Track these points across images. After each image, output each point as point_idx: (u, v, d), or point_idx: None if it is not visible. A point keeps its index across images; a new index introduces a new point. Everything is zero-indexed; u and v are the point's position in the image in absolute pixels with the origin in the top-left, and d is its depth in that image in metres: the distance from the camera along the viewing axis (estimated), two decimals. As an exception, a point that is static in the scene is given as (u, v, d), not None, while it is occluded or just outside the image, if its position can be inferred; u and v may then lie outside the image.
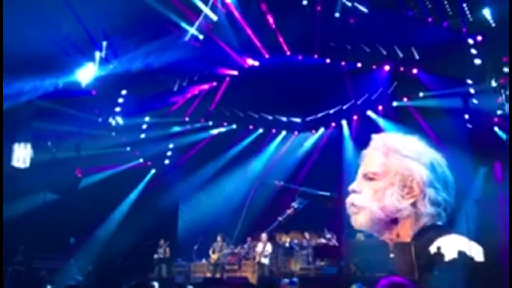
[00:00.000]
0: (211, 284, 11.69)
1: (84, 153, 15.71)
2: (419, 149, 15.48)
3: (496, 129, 14.32)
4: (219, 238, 15.56)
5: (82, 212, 15.42)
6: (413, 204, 14.99)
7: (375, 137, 15.89)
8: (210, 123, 18.62)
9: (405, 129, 16.09)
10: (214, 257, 15.35)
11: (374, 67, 15.76)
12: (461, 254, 11.69)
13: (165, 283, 12.92)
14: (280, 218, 13.76)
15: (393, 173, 15.42)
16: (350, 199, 15.83)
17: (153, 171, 18.84)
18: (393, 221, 15.11)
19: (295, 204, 13.59)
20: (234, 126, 18.95)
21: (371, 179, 15.71)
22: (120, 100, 15.76)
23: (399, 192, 15.16)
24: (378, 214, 15.11)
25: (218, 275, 14.89)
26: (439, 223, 15.02)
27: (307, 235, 16.41)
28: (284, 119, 18.70)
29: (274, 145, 19.31)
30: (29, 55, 11.58)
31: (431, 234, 14.29)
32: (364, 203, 15.44)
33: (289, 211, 13.68)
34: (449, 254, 12.12)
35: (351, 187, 15.94)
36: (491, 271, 10.46)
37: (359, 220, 15.47)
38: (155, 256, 16.44)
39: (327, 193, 15.46)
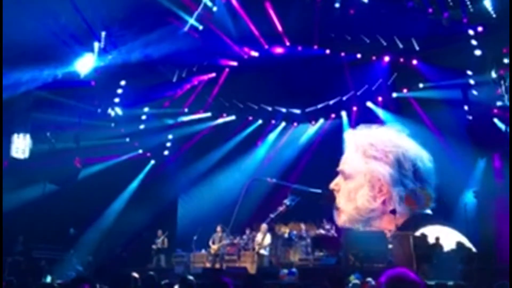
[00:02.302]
0: (210, 275, 11.73)
1: (83, 144, 15.69)
2: (386, 146, 15.63)
3: (495, 120, 14.32)
4: (218, 229, 15.59)
5: (82, 203, 15.43)
6: (383, 203, 15.24)
7: (348, 133, 16.07)
8: (209, 114, 18.58)
9: (404, 120, 16.12)
10: (214, 247, 15.39)
11: (374, 58, 15.72)
12: (459, 244, 11.77)
13: (164, 273, 12.96)
14: (272, 215, 13.94)
15: (362, 174, 15.75)
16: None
17: (152, 162, 18.84)
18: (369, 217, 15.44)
19: (287, 201, 13.73)
20: (233, 117, 18.92)
21: (345, 178, 16.07)
22: (119, 91, 15.71)
23: (369, 194, 15.47)
24: (353, 215, 15.56)
25: (217, 266, 14.93)
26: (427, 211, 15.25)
27: (306, 226, 16.46)
28: (283, 110, 18.67)
29: (273, 136, 19.30)
30: (28, 45, 11.51)
31: (415, 223, 14.51)
32: (341, 204, 15.87)
33: (281, 208, 13.83)
34: (447, 245, 12.20)
35: (331, 185, 16.25)
36: (488, 261, 10.52)
37: (340, 220, 16.15)
38: (153, 246, 16.49)
39: (319, 191, 15.79)
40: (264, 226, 14.73)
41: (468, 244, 13.08)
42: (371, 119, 16.94)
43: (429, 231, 13.23)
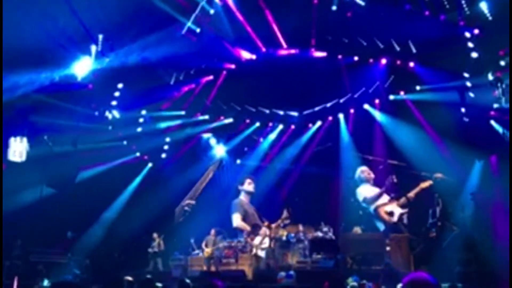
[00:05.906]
0: (207, 278, 11.70)
1: (81, 147, 15.67)
2: None
3: (492, 122, 14.35)
4: (212, 232, 15.53)
5: (79, 206, 15.41)
6: None
7: None
8: (207, 117, 18.58)
9: (401, 123, 16.14)
10: (208, 250, 15.32)
11: (371, 60, 15.75)
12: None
13: (162, 276, 12.95)
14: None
15: None
16: None
17: (150, 165, 18.83)
18: None
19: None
20: (231, 119, 18.92)
21: None
22: (117, 94, 15.71)
23: None
24: None
25: (212, 269, 14.88)
26: None
27: (303, 228, 16.42)
28: (281, 112, 18.68)
29: (271, 138, 19.30)
30: (25, 48, 11.50)
31: None
32: None
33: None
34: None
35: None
36: (487, 264, 10.52)
37: None
38: (149, 250, 16.44)
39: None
40: (264, 229, 14.69)
41: None
42: (368, 121, 16.98)
43: None
